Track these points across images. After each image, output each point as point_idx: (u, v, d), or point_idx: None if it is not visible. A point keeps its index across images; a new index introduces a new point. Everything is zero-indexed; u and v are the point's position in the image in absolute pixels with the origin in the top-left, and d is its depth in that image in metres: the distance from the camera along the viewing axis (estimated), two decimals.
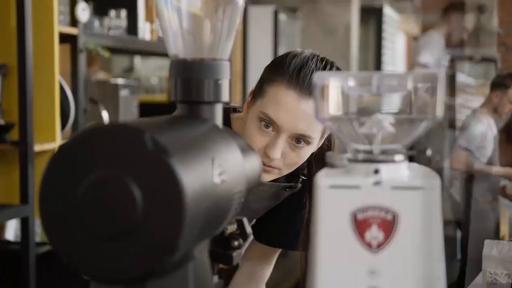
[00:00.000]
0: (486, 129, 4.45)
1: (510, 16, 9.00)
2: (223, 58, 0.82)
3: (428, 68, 4.39)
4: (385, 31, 7.34)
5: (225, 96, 0.82)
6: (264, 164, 1.28)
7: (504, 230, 4.45)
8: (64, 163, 0.63)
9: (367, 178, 0.68)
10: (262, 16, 5.39)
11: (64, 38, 2.67)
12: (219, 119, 0.81)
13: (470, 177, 4.50)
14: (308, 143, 1.28)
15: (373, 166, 0.69)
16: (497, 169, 4.75)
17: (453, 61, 4.53)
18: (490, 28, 9.27)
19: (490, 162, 4.49)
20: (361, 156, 0.70)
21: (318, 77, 0.70)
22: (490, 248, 1.95)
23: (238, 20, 0.85)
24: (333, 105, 0.71)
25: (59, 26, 2.57)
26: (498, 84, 4.46)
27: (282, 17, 5.59)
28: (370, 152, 0.71)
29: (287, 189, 1.46)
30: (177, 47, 0.82)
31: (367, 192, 0.68)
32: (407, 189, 0.67)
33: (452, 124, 4.89)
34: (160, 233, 0.61)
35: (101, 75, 4.23)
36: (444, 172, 5.64)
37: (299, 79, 1.24)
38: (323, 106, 0.71)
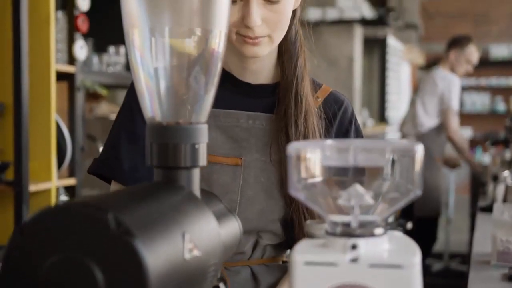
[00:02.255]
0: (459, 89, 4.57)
1: None
2: (200, 121, 0.80)
3: (456, 113, 4.44)
4: (389, 61, 7.34)
5: (203, 161, 0.79)
6: (249, 37, 1.17)
7: None
8: (25, 244, 0.60)
9: (344, 254, 0.65)
10: None
11: (62, 76, 2.66)
12: (196, 185, 0.78)
13: (427, 134, 4.52)
14: None
15: (350, 241, 0.66)
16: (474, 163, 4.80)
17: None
18: None
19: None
20: (338, 229, 0.68)
21: (293, 147, 0.68)
22: (501, 212, 1.75)
23: (216, 80, 0.82)
24: (309, 176, 0.68)
25: (57, 64, 2.56)
26: (454, 43, 4.55)
27: None
28: (348, 224, 0.68)
29: None
30: (153, 110, 0.79)
31: (344, 270, 0.65)
32: (386, 267, 0.64)
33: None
34: None
35: (105, 107, 4.23)
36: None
37: None
38: (298, 177, 0.68)
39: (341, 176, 0.70)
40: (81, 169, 2.75)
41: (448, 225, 5.53)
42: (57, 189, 2.67)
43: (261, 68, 1.28)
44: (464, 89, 10.10)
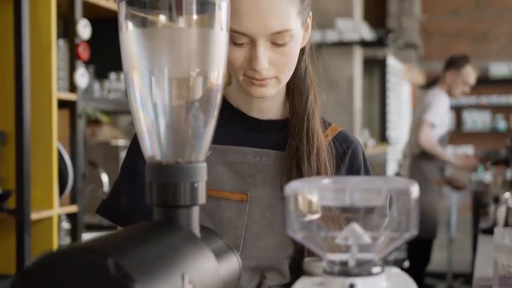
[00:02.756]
0: (447, 107, 4.54)
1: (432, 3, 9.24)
2: (199, 160, 0.81)
3: (435, 128, 4.42)
4: (389, 81, 7.37)
5: (202, 199, 0.80)
6: (256, 79, 1.16)
7: None
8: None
9: None
10: None
11: (63, 104, 2.68)
12: (195, 223, 0.79)
13: (421, 155, 4.47)
14: (290, 37, 1.15)
15: (348, 280, 0.67)
16: (455, 160, 4.68)
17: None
18: (412, 14, 9.40)
19: (442, 141, 4.55)
20: (336, 268, 0.68)
21: (290, 188, 0.69)
22: (502, 236, 1.75)
23: (215, 118, 0.84)
24: (306, 215, 0.69)
25: (58, 92, 2.58)
26: (451, 64, 4.54)
27: None
28: (346, 263, 0.69)
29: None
30: (153, 149, 0.81)
31: None
32: None
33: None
34: None
35: (107, 131, 4.24)
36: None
37: None
38: (295, 217, 0.69)
39: (338, 214, 0.71)
40: (82, 196, 2.76)
41: (450, 245, 5.53)
42: (59, 216, 2.68)
43: (269, 105, 1.28)
44: (465, 107, 10.14)
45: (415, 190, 0.67)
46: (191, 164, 0.79)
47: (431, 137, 4.39)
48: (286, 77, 1.20)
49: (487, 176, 5.79)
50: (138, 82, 0.79)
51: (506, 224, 2.86)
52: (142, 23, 0.78)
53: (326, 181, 0.70)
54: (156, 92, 0.79)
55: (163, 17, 0.78)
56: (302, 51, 1.25)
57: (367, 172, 1.32)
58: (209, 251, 0.76)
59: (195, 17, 0.77)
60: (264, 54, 1.14)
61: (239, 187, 1.23)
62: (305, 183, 0.70)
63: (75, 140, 2.70)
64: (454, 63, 4.54)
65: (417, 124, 4.45)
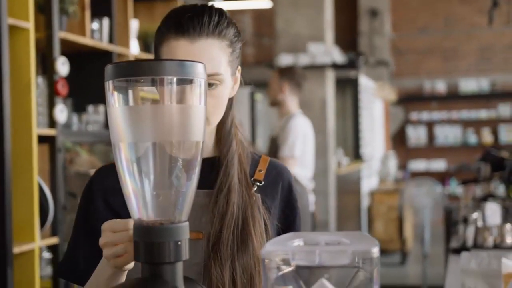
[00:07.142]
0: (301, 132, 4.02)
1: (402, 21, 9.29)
2: (181, 220, 0.89)
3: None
4: (361, 100, 7.50)
5: (185, 255, 0.89)
6: None
7: None
8: None
9: None
10: (239, 98, 5.53)
11: (43, 139, 2.74)
12: (179, 277, 0.88)
13: None
14: (220, 81, 1.23)
15: None
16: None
17: None
18: (383, 33, 9.50)
19: None
20: None
21: (266, 251, 0.77)
22: (468, 260, 1.85)
23: (196, 180, 0.92)
24: (280, 274, 0.78)
25: (38, 128, 2.64)
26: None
27: (258, 97, 5.76)
28: None
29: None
30: (140, 212, 0.89)
31: None
32: None
33: None
34: None
35: (85, 158, 4.26)
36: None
37: (185, 25, 1.22)
38: (270, 277, 0.77)
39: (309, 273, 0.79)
40: (63, 228, 2.82)
41: (424, 259, 5.64)
42: (40, 248, 2.73)
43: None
44: (436, 122, 10.34)
45: (376, 250, 0.75)
46: (174, 225, 0.88)
47: None
48: (215, 119, 1.27)
49: (458, 189, 5.92)
50: (124, 152, 0.87)
51: (475, 245, 2.96)
52: (128, 100, 0.86)
53: (297, 242, 0.79)
54: (141, 161, 0.87)
55: (146, 95, 0.86)
56: (231, 101, 1.33)
57: (295, 206, 1.38)
58: None
59: (175, 94, 0.85)
60: None
61: (192, 227, 1.28)
62: (279, 246, 0.78)
63: (55, 174, 2.76)
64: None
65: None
